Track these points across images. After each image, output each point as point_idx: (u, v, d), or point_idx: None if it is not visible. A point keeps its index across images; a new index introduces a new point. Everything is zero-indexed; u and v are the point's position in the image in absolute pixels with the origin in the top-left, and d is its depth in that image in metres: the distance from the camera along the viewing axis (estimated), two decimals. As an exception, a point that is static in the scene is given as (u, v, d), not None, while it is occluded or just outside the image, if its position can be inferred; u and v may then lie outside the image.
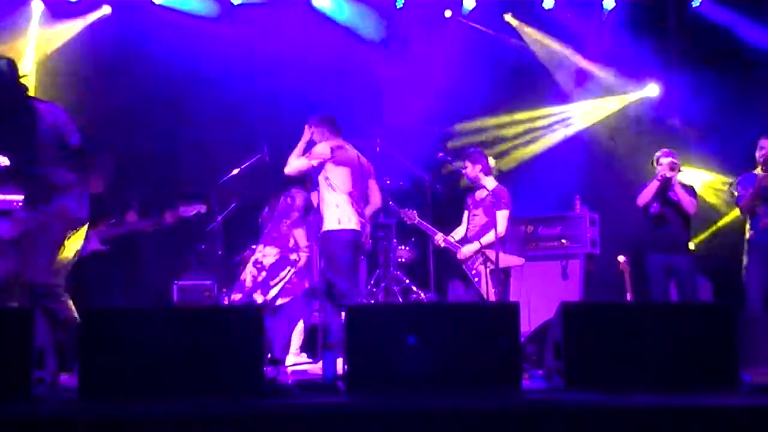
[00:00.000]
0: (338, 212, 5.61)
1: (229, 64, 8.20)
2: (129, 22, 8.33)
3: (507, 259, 6.24)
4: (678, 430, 3.11)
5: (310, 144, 5.87)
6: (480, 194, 6.45)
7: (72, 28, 8.33)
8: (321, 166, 5.70)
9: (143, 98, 8.17)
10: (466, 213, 6.56)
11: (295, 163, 5.78)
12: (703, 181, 8.41)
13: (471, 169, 6.45)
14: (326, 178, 5.69)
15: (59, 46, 8.27)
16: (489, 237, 6.19)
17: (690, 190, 6.61)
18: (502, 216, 6.22)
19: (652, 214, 6.53)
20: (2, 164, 4.27)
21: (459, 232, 6.55)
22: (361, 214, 5.72)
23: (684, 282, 6.48)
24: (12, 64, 4.37)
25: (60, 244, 4.30)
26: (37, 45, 8.22)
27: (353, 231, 5.60)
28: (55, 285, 4.28)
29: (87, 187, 4.48)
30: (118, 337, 3.60)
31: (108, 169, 5.08)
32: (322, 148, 5.73)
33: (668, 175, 6.41)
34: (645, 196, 6.49)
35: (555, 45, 8.82)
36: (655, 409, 3.19)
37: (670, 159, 6.47)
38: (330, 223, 5.61)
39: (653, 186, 6.46)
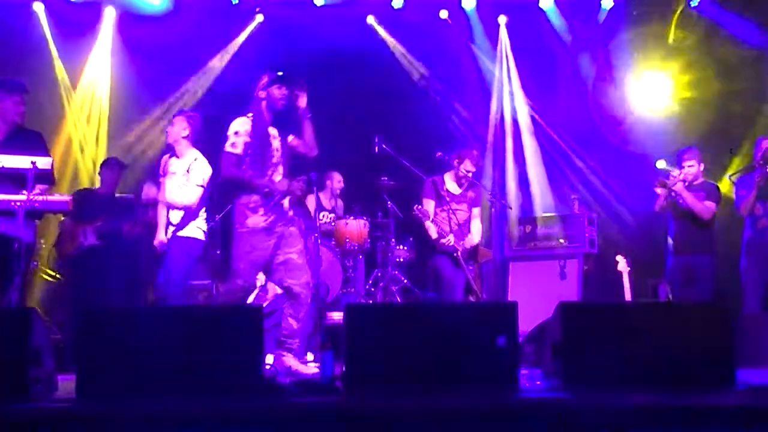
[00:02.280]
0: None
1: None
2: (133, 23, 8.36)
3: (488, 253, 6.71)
4: (676, 429, 3.12)
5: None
6: (456, 189, 6.55)
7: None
8: None
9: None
10: (432, 203, 6.48)
11: None
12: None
13: (469, 167, 6.49)
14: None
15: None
16: (480, 232, 6.59)
17: (710, 190, 6.52)
18: (479, 212, 6.64)
19: (670, 217, 6.56)
20: None
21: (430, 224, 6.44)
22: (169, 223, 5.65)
23: (699, 283, 6.43)
24: None
25: None
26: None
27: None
28: None
29: None
30: (118, 337, 3.60)
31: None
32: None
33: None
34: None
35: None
36: (652, 408, 3.19)
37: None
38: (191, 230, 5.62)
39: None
